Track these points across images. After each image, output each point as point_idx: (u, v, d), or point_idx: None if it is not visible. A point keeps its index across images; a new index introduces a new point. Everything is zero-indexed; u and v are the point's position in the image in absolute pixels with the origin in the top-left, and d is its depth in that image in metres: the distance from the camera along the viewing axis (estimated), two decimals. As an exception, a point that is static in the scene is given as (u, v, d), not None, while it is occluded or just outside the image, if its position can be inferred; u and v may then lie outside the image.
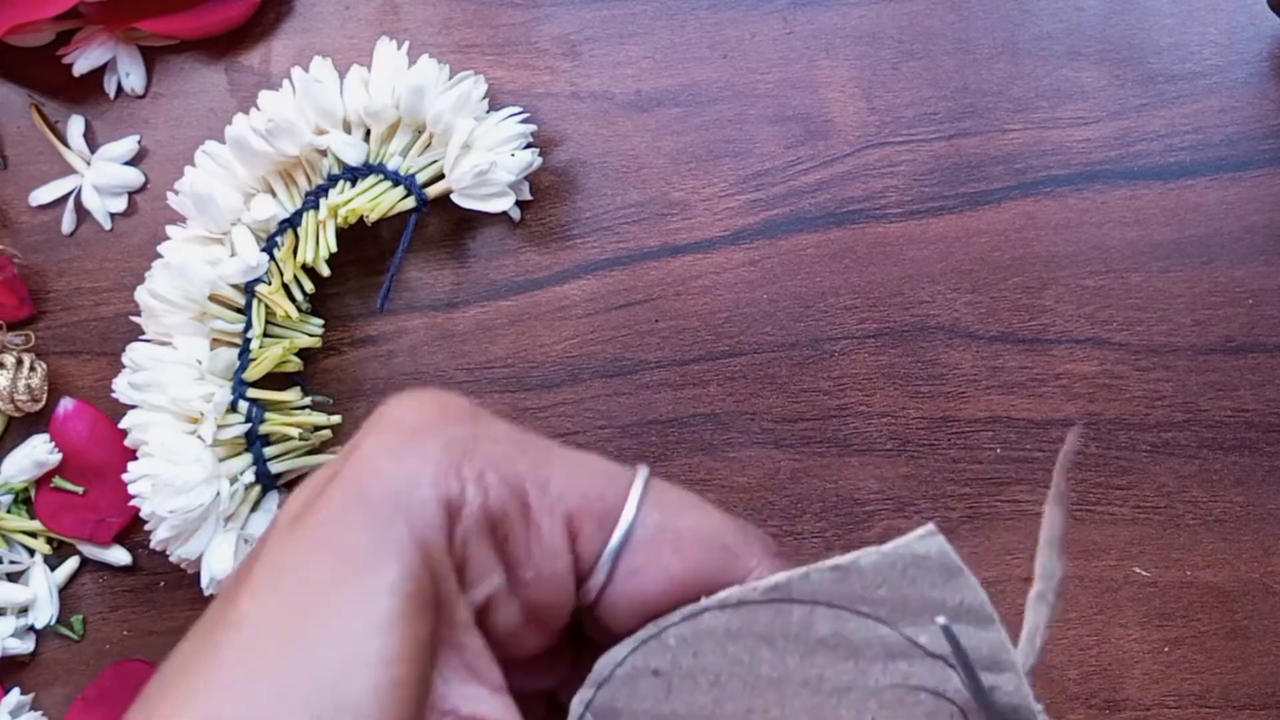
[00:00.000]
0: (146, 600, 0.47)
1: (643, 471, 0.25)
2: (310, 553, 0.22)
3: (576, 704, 0.24)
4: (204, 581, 0.43)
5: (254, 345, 0.43)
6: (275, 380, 0.44)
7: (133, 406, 0.44)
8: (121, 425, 0.44)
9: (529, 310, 0.44)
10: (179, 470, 0.41)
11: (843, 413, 0.42)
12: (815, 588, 0.24)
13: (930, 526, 0.24)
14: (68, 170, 0.47)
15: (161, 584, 0.46)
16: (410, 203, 0.43)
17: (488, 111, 0.43)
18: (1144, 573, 0.40)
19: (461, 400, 0.25)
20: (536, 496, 0.24)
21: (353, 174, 0.43)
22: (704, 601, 0.24)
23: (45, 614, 0.46)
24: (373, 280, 0.45)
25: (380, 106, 0.42)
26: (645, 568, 0.24)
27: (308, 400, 0.45)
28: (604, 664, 0.24)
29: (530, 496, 0.24)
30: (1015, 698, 0.24)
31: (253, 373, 0.43)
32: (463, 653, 0.23)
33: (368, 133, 0.43)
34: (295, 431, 0.43)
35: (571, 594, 0.24)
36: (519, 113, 0.43)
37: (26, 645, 0.46)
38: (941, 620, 0.23)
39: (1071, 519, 0.41)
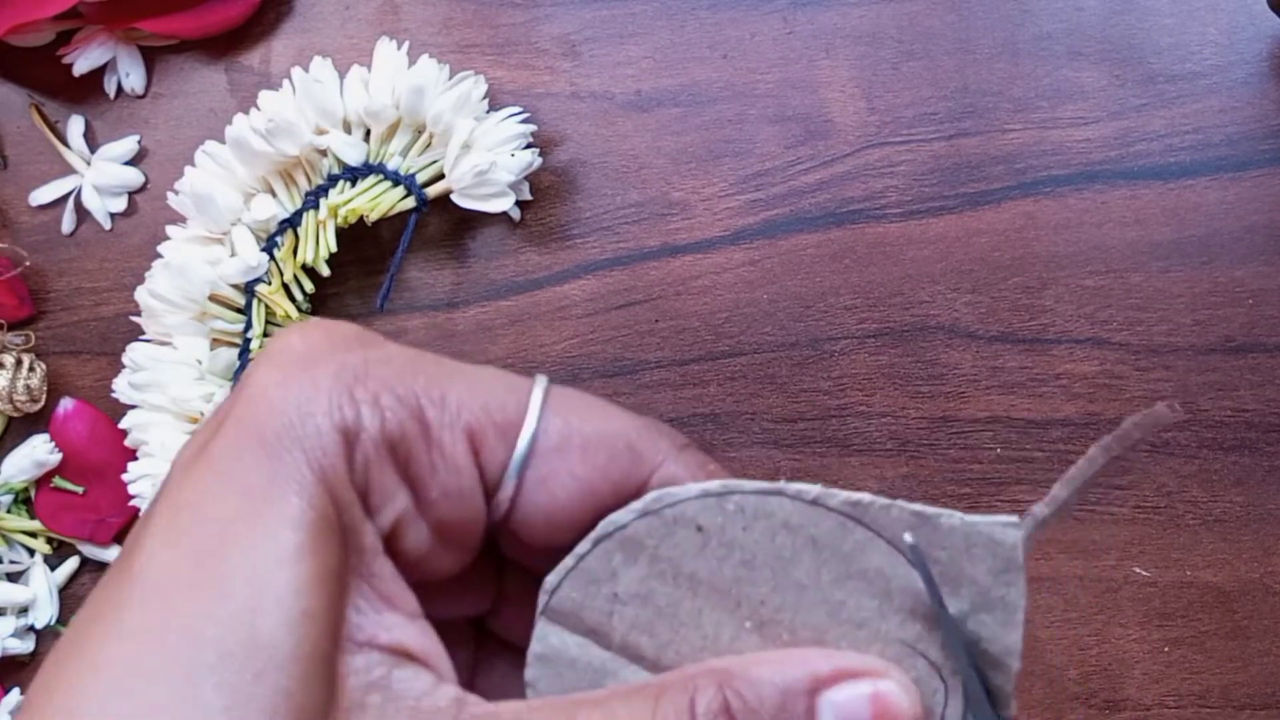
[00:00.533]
0: (146, 600, 0.47)
1: (541, 380, 0.25)
2: (207, 492, 0.22)
3: (622, 515, 0.24)
4: (204, 581, 0.43)
5: (254, 345, 0.43)
6: (275, 380, 0.44)
7: (133, 406, 0.44)
8: (121, 425, 0.44)
9: (529, 310, 0.44)
10: (179, 470, 0.41)
11: (843, 413, 0.42)
12: (887, 521, 0.24)
13: (1015, 519, 0.23)
14: (68, 170, 0.47)
15: (161, 584, 0.46)
16: (410, 203, 0.43)
17: (488, 111, 0.43)
18: (1144, 573, 0.40)
19: (349, 326, 0.24)
20: (435, 413, 0.23)
21: (353, 174, 0.43)
22: (783, 484, 0.23)
23: (45, 614, 0.46)
24: (373, 280, 0.45)
25: (380, 106, 0.42)
26: (552, 476, 0.24)
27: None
28: (661, 494, 0.24)
29: (428, 414, 0.23)
30: (1001, 691, 0.24)
31: (253, 373, 0.43)
32: (374, 581, 0.22)
33: (368, 133, 0.43)
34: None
35: (481, 510, 0.24)
36: (519, 113, 0.43)
37: (27, 645, 0.46)
38: (909, 539, 0.24)
39: (1071, 519, 0.41)
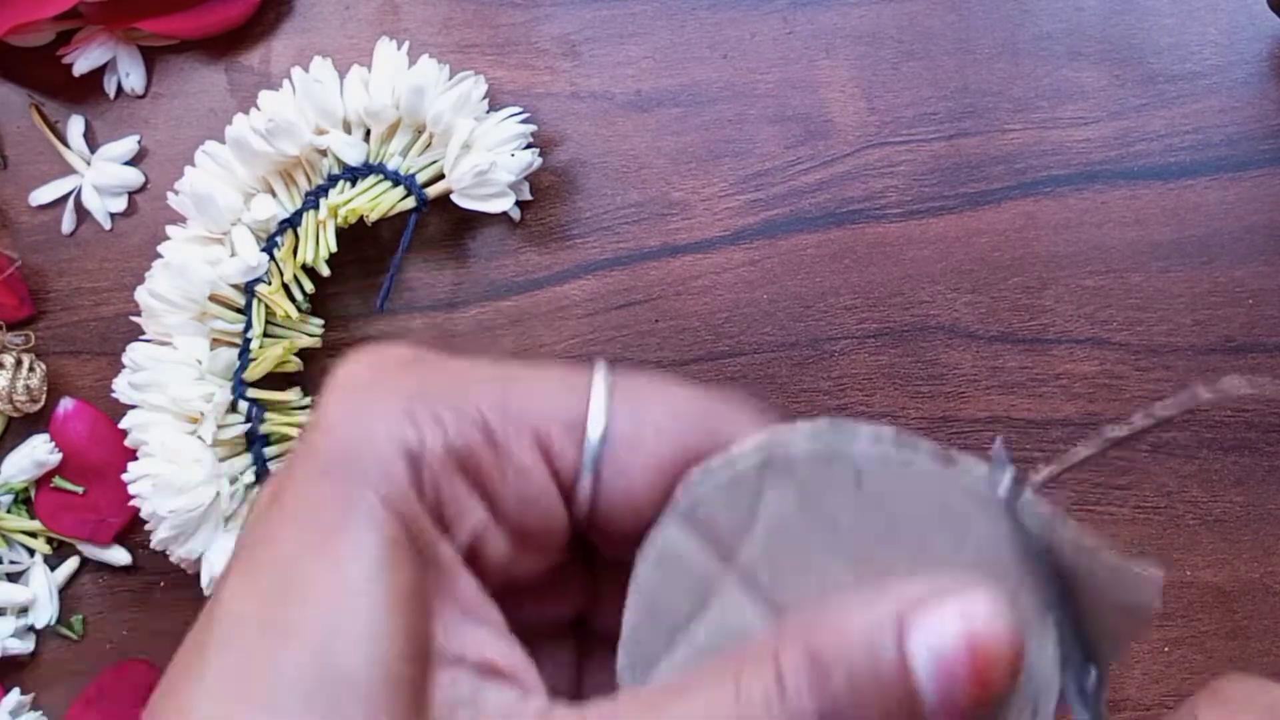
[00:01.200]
0: (146, 600, 0.47)
1: (601, 368, 0.24)
2: (279, 530, 0.22)
3: (789, 434, 0.23)
4: (204, 581, 0.43)
5: (254, 345, 0.43)
6: (275, 380, 0.44)
7: (133, 406, 0.44)
8: (121, 425, 0.44)
9: (529, 310, 0.44)
10: (179, 470, 0.41)
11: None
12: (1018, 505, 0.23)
13: (1158, 575, 0.22)
14: (68, 170, 0.47)
15: (161, 584, 0.46)
16: (410, 203, 0.43)
17: (488, 111, 0.43)
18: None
19: (404, 349, 0.24)
20: (498, 422, 0.23)
21: (353, 174, 0.43)
22: (952, 453, 0.22)
23: (45, 614, 0.46)
24: (373, 280, 0.45)
25: (380, 106, 0.42)
26: (629, 465, 0.23)
27: (308, 400, 0.45)
28: (831, 424, 0.22)
29: (492, 423, 0.23)
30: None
31: (253, 373, 0.43)
32: (457, 597, 0.22)
33: (368, 133, 0.43)
34: (295, 431, 0.43)
35: (559, 511, 0.23)
36: (519, 113, 0.43)
37: (26, 645, 0.46)
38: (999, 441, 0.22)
39: (1071, 519, 0.41)
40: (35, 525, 0.46)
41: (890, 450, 0.23)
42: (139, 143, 0.47)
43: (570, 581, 0.26)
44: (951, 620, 0.21)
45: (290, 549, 0.22)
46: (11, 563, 0.47)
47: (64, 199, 0.47)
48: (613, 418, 0.24)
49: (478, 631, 0.22)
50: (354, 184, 0.43)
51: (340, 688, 0.20)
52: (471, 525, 0.23)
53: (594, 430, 0.23)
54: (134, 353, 0.44)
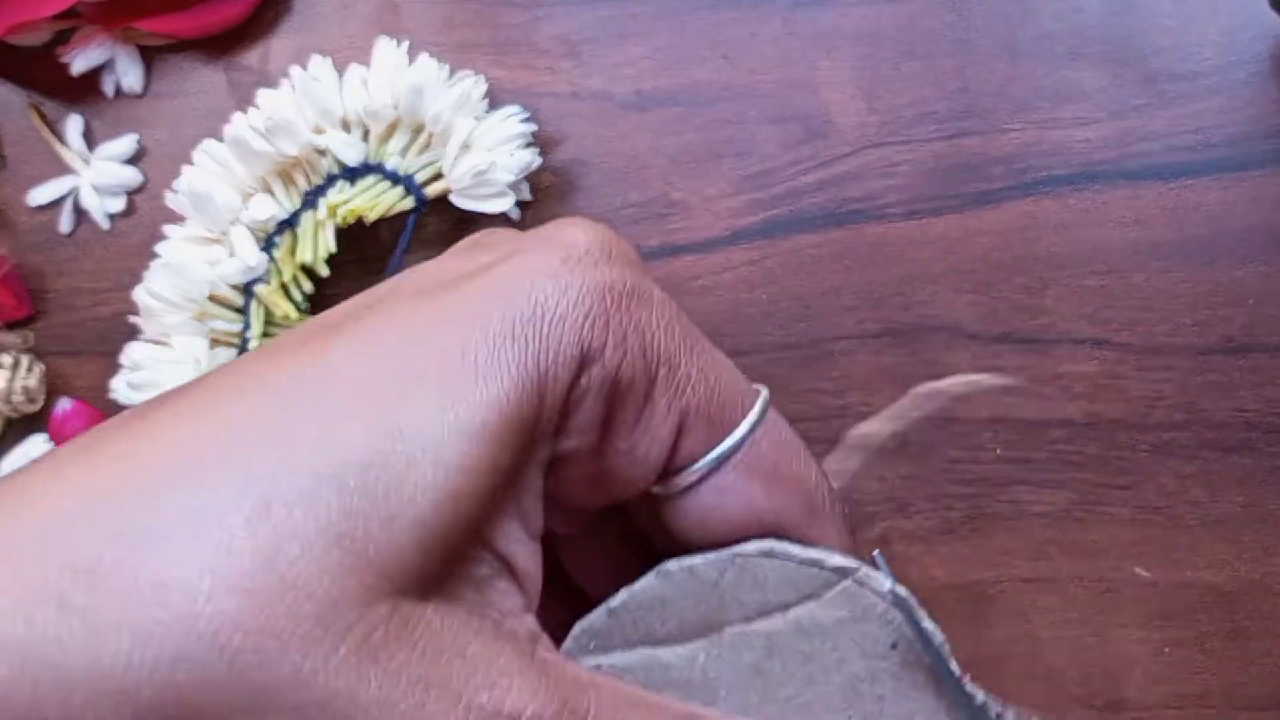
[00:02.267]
0: (145, 601, 0.46)
1: (763, 393, 0.24)
2: (426, 332, 0.21)
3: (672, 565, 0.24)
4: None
5: (252, 345, 0.43)
6: (274, 380, 0.44)
7: (131, 406, 0.44)
8: (120, 426, 0.44)
9: (528, 310, 0.44)
10: (178, 471, 0.41)
11: (843, 413, 0.42)
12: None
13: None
14: (66, 170, 0.47)
15: (160, 585, 0.46)
16: (409, 203, 0.43)
17: (488, 111, 0.43)
18: (1145, 573, 0.40)
19: (628, 245, 0.24)
20: (665, 378, 0.23)
21: (351, 174, 0.43)
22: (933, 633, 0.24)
23: (43, 615, 0.46)
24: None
25: (379, 106, 0.42)
26: (733, 490, 0.24)
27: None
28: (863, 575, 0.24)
29: (659, 377, 0.23)
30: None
31: (251, 373, 0.43)
32: (522, 491, 0.22)
33: (366, 132, 0.43)
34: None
35: (651, 480, 0.24)
36: (519, 113, 0.43)
37: (24, 646, 0.46)
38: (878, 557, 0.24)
39: (1071, 519, 0.41)
40: (33, 526, 0.46)
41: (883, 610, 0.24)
42: (138, 142, 0.46)
43: (578, 512, 0.26)
44: None
45: (430, 355, 0.21)
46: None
47: (62, 199, 0.47)
48: (747, 445, 0.24)
49: (518, 530, 0.22)
50: (353, 184, 0.43)
51: (396, 504, 0.20)
52: (579, 444, 0.23)
53: (728, 443, 0.24)
54: (132, 353, 0.44)
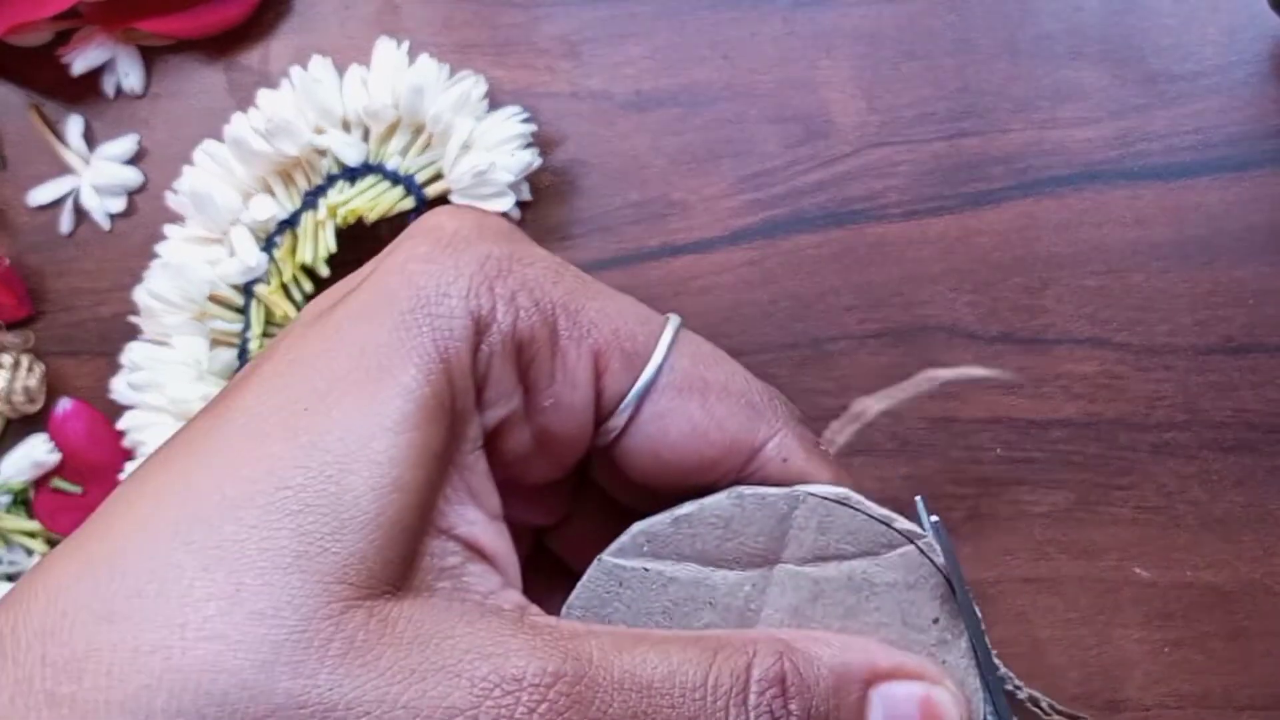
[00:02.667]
0: (145, 601, 0.46)
1: (674, 319, 0.25)
2: (326, 349, 0.22)
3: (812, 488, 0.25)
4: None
5: (253, 346, 0.43)
6: (274, 380, 0.44)
7: (131, 407, 0.44)
8: (120, 426, 0.44)
9: (528, 310, 0.44)
10: (178, 471, 0.41)
11: (843, 413, 0.42)
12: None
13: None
14: (66, 170, 0.47)
15: (160, 585, 0.46)
16: (409, 203, 0.43)
17: (488, 111, 0.43)
18: (1144, 573, 0.40)
19: (500, 220, 0.24)
20: (566, 325, 0.23)
21: (352, 174, 0.43)
22: (908, 527, 0.25)
23: (44, 615, 0.46)
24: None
25: (379, 106, 0.42)
26: (669, 414, 0.24)
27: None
28: (843, 493, 0.25)
29: (560, 324, 0.23)
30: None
31: (252, 373, 0.43)
32: (466, 473, 0.23)
33: (366, 132, 0.43)
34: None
35: (588, 429, 0.24)
36: (519, 113, 0.43)
37: (25, 646, 0.46)
38: (933, 528, 0.25)
39: (1072, 519, 0.41)
40: (34, 526, 0.46)
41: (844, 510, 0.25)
42: (138, 142, 0.46)
43: (550, 494, 0.26)
44: (911, 699, 0.23)
45: (332, 368, 0.21)
46: (11, 563, 0.46)
47: (63, 199, 0.47)
48: (669, 366, 0.24)
49: (475, 512, 0.22)
50: (353, 184, 0.43)
51: (344, 513, 0.20)
52: (506, 410, 0.23)
53: (649, 369, 0.24)
54: (132, 353, 0.44)
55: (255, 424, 0.21)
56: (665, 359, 0.24)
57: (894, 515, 0.25)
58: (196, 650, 0.19)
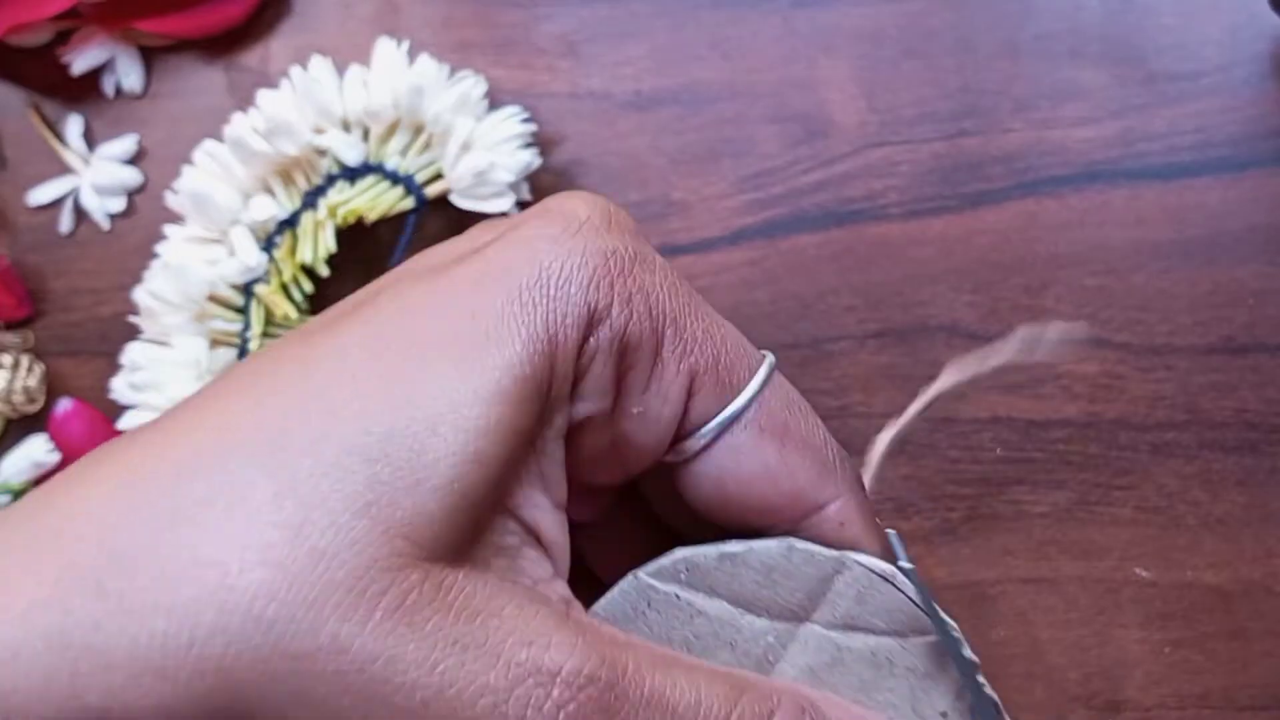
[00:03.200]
0: (145, 601, 0.46)
1: (770, 357, 0.25)
2: (436, 305, 0.22)
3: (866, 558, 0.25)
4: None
5: (252, 346, 0.43)
6: (274, 381, 0.44)
7: (131, 407, 0.44)
8: (119, 426, 0.44)
9: (528, 310, 0.44)
10: (177, 471, 0.41)
11: (843, 413, 0.42)
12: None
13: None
14: (66, 170, 0.47)
15: (160, 585, 0.46)
16: (409, 203, 0.43)
17: (488, 111, 0.43)
18: (1145, 574, 0.40)
19: (629, 216, 0.24)
20: (672, 338, 0.23)
21: (351, 174, 0.43)
22: (941, 617, 0.25)
23: (43, 615, 0.46)
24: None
25: (379, 106, 0.42)
26: (745, 450, 0.24)
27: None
28: (889, 569, 0.25)
29: (666, 336, 0.23)
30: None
31: (251, 373, 0.43)
32: (543, 459, 0.23)
33: (366, 132, 0.43)
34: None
35: (665, 445, 0.24)
36: (519, 113, 0.43)
37: (25, 646, 0.46)
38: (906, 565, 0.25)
39: (1072, 519, 0.41)
40: (33, 526, 0.46)
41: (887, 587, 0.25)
42: (138, 142, 0.46)
43: (596, 497, 0.27)
44: None
45: (442, 328, 0.21)
46: (10, 563, 0.46)
47: (62, 199, 0.47)
48: (757, 404, 0.24)
49: (542, 498, 0.23)
50: (353, 184, 0.43)
51: (421, 470, 0.20)
52: (595, 408, 0.23)
53: (739, 400, 0.24)
54: (132, 353, 0.44)
55: (350, 364, 0.21)
56: (756, 394, 0.24)
57: (938, 608, 0.25)
58: (253, 574, 0.19)
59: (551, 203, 0.24)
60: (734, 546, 0.24)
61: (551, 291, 0.22)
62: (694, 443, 0.24)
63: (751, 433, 0.24)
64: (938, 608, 0.25)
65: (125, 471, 0.21)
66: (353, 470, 0.20)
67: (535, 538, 0.22)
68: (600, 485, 0.25)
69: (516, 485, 0.22)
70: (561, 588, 0.22)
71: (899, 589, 0.24)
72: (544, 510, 0.23)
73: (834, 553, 0.24)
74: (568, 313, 0.22)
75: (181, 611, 0.19)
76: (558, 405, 0.22)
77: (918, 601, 0.24)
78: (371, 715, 0.19)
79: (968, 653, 0.24)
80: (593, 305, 0.22)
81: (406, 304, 0.22)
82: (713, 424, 0.24)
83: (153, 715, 0.19)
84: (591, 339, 0.22)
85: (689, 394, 0.24)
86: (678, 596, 0.24)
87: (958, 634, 0.24)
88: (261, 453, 0.20)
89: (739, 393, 0.24)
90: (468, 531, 0.21)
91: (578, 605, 0.22)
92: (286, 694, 0.19)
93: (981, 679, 0.25)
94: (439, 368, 0.21)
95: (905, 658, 0.24)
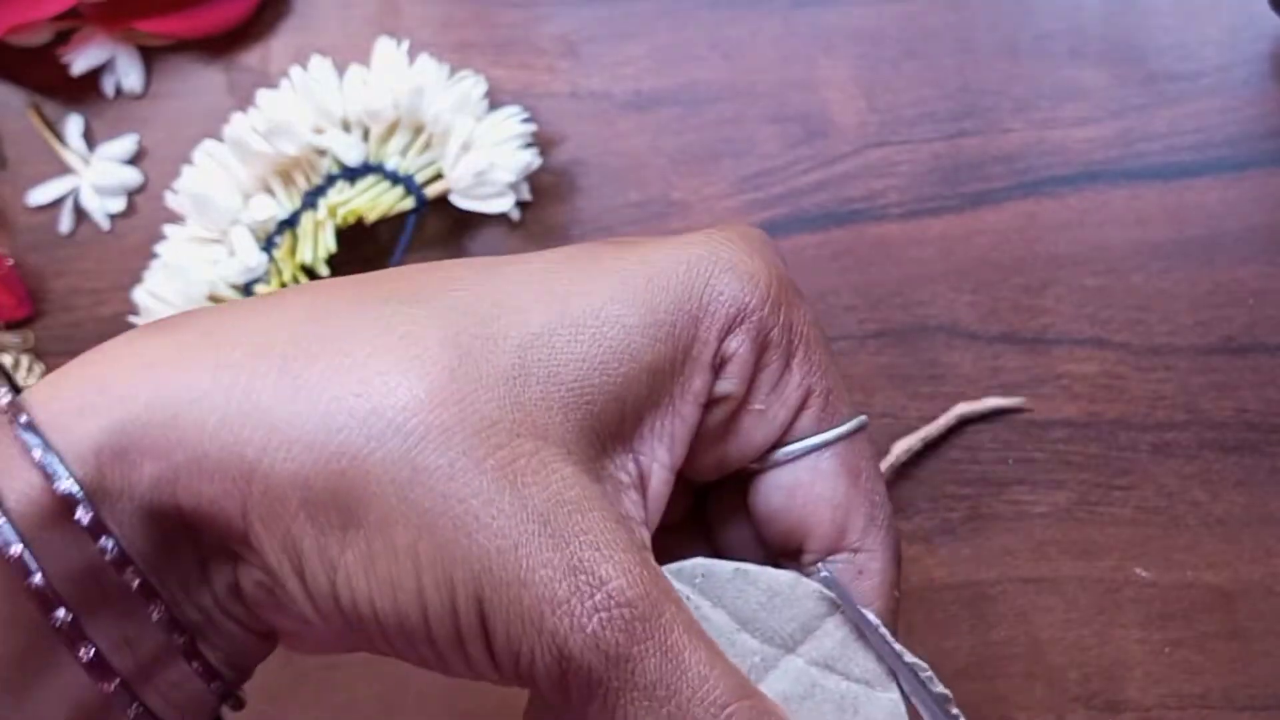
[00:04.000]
0: (145, 601, 0.46)
1: (864, 417, 0.28)
2: (617, 252, 0.25)
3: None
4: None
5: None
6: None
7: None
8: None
9: (528, 310, 0.44)
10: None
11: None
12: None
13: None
14: (66, 170, 0.47)
15: (160, 585, 0.46)
16: (409, 203, 0.43)
17: (488, 111, 0.43)
18: (1145, 574, 0.40)
19: (780, 259, 0.27)
20: (802, 355, 0.26)
21: (351, 174, 0.43)
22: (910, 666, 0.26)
23: (43, 615, 0.46)
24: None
25: (379, 106, 0.42)
26: (825, 474, 0.27)
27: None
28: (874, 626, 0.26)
29: (798, 352, 0.26)
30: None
31: (251, 373, 0.43)
32: (676, 419, 0.25)
33: (366, 132, 0.43)
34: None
35: (766, 446, 0.27)
36: (519, 113, 0.43)
37: (25, 646, 0.46)
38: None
39: (1072, 519, 0.41)
40: (33, 526, 0.46)
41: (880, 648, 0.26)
42: (138, 143, 0.46)
43: (683, 499, 0.29)
44: None
45: (609, 264, 0.25)
46: (9, 564, 0.46)
47: (62, 199, 0.47)
48: (846, 438, 0.27)
49: (664, 453, 0.25)
50: (353, 184, 0.43)
51: (559, 367, 0.23)
52: (731, 389, 0.26)
53: (837, 430, 0.27)
54: (132, 353, 0.44)
55: (530, 272, 0.25)
56: (852, 431, 0.27)
57: (923, 665, 0.26)
58: (410, 391, 0.22)
59: (738, 227, 0.27)
60: (750, 566, 0.26)
61: (716, 272, 0.25)
62: (788, 451, 0.26)
63: (834, 463, 0.27)
64: (905, 651, 0.26)
65: (317, 297, 0.24)
66: (505, 348, 0.23)
67: (642, 485, 0.25)
68: (694, 479, 0.27)
69: (647, 431, 0.25)
70: (645, 534, 0.24)
71: (886, 640, 0.26)
72: (660, 465, 0.25)
73: (832, 595, 0.26)
74: (723, 292, 0.25)
75: (342, 403, 0.22)
76: (698, 370, 0.25)
77: (891, 643, 0.26)
78: (452, 541, 0.22)
79: (939, 687, 0.26)
80: (747, 300, 0.25)
81: (595, 251, 0.25)
82: (811, 440, 0.26)
83: (289, 482, 0.22)
84: (741, 328, 0.25)
85: (800, 408, 0.26)
86: (688, 598, 0.25)
87: (929, 673, 0.26)
88: (441, 311, 0.23)
89: (837, 425, 0.27)
90: (588, 437, 0.23)
91: (650, 552, 0.24)
92: (396, 497, 0.22)
93: (955, 711, 0.26)
94: (602, 286, 0.24)
95: (869, 708, 0.26)
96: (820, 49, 0.43)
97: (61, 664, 0.22)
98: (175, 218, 0.44)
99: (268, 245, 0.43)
